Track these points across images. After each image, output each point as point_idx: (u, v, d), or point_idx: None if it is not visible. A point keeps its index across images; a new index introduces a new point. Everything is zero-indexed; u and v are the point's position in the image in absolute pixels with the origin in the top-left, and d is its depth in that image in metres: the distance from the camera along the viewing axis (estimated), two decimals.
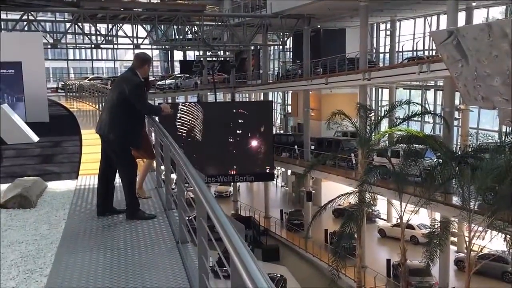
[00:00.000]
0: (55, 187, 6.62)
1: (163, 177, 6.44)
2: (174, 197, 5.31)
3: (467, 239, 15.99)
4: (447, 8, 20.17)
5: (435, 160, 21.67)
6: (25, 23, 29.51)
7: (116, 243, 4.56)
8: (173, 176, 5.26)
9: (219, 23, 34.70)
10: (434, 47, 33.79)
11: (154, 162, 6.45)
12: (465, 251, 25.56)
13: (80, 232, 4.88)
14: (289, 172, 40.14)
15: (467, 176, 15.31)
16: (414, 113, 21.02)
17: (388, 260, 24.96)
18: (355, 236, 18.84)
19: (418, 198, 17.78)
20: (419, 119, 31.11)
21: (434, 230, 16.09)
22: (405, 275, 18.32)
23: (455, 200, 19.19)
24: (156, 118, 6.53)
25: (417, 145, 19.98)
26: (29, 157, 9.24)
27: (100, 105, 16.75)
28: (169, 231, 4.86)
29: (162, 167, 6.14)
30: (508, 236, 13.22)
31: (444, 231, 15.80)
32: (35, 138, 11.12)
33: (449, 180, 16.46)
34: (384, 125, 25.67)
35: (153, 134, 7.06)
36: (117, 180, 5.55)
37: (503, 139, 15.26)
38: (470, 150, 17.45)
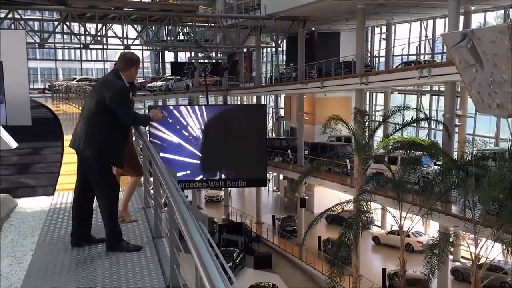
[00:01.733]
0: (27, 206, 5.74)
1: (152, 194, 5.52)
2: (163, 222, 4.44)
3: (470, 249, 15.26)
4: (449, 11, 19.61)
5: (433, 167, 21.14)
6: (11, 21, 28.53)
7: (92, 282, 3.74)
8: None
9: (212, 24, 33.96)
10: (429, 51, 33.54)
11: (142, 178, 5.54)
12: (461, 260, 25.34)
13: (49, 269, 4.01)
14: (281, 176, 39.47)
15: (470, 186, 14.65)
16: (414, 118, 20.36)
17: (384, 270, 24.30)
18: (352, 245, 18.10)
19: (418, 207, 17.11)
20: (414, 124, 30.58)
21: (436, 241, 15.37)
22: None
23: (454, 209, 18.63)
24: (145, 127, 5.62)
25: (415, 152, 19.42)
26: (4, 167, 8.36)
27: None
28: (157, 266, 4.00)
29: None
30: None
31: (446, 243, 15.11)
32: (13, 144, 10.22)
33: (452, 189, 15.79)
34: (380, 130, 25.13)
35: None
36: (96, 203, 4.65)
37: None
38: (472, 157, 16.77)
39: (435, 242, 15.47)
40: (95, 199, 4.61)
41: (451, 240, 15.28)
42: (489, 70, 9.29)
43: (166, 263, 3.94)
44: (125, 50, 33.47)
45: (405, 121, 21.72)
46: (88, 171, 4.55)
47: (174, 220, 3.18)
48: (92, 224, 4.65)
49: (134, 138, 5.44)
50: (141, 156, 5.53)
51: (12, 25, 28.48)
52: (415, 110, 21.68)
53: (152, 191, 4.88)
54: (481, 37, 9.18)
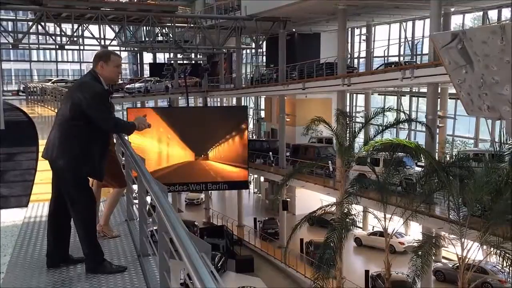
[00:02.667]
0: None
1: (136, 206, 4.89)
2: (150, 238, 4.02)
3: (456, 250, 15.17)
4: (431, 13, 19.60)
5: (415, 169, 21.11)
6: None
7: None
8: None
9: (191, 25, 33.50)
10: (409, 52, 33.71)
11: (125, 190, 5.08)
12: (443, 260, 25.41)
13: None
14: (262, 178, 39.19)
15: (455, 187, 14.57)
16: (396, 120, 20.29)
17: (367, 272, 24.20)
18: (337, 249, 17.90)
19: (402, 209, 17.00)
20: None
21: (421, 244, 15.24)
22: None
23: (438, 211, 18.59)
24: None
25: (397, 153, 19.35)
26: None
27: None
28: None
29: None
30: (504, 252, 12.47)
31: (431, 245, 15.00)
32: None
33: (436, 191, 15.71)
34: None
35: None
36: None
37: (499, 147, 14.52)
38: (457, 159, 16.72)
39: (421, 244, 15.33)
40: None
41: (436, 243, 15.15)
42: (479, 72, 9.16)
43: (154, 285, 3.57)
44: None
45: (387, 122, 21.65)
46: (62, 184, 4.07)
47: (165, 240, 2.84)
48: (70, 241, 4.19)
49: (115, 146, 4.98)
50: (124, 163, 5.10)
51: None
52: (398, 111, 21.59)
53: (136, 203, 4.46)
54: (472, 37, 9.03)
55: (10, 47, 32.71)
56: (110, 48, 32.35)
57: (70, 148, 4.02)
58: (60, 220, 4.11)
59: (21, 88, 37.25)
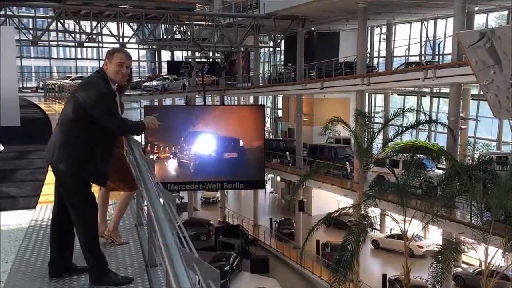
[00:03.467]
0: (3, 222, 4.95)
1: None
2: (160, 248, 3.73)
3: (479, 255, 14.69)
4: (454, 11, 19.07)
5: (436, 171, 20.60)
6: (2, 18, 27.79)
7: None
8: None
9: (209, 23, 33.33)
10: (430, 52, 33.03)
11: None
12: (462, 265, 24.80)
13: None
14: (278, 178, 38.89)
15: (479, 192, 14.09)
16: (417, 121, 19.79)
17: (384, 275, 23.73)
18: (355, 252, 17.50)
19: (422, 213, 16.54)
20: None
21: (443, 249, 14.79)
22: None
23: (459, 215, 18.10)
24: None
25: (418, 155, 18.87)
26: None
27: None
28: None
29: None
30: None
31: (452, 251, 14.55)
32: None
33: (459, 195, 15.24)
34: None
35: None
36: None
37: None
38: (480, 162, 16.18)
39: (441, 250, 14.88)
40: None
41: (457, 248, 14.68)
42: (508, 72, 8.74)
43: None
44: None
45: (407, 123, 21.16)
46: (62, 188, 3.84)
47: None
48: (74, 249, 3.94)
49: (126, 148, 4.71)
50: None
51: (5, 22, 27.74)
52: (419, 112, 21.04)
53: (146, 208, 4.20)
54: (501, 36, 8.60)
55: (30, 44, 32.92)
56: (128, 46, 32.44)
57: (71, 151, 3.79)
58: (63, 226, 3.88)
59: (40, 85, 37.56)
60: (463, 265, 24.75)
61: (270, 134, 44.22)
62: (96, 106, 3.80)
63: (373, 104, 36.92)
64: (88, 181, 3.92)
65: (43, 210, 5.49)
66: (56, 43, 36.69)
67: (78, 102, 3.85)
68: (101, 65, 4.25)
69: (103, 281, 3.70)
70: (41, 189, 6.53)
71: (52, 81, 31.69)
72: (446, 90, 26.31)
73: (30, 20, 34.44)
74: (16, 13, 29.56)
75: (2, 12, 27.10)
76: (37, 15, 33.19)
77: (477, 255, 20.70)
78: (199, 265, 1.90)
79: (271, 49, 42.81)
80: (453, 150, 18.84)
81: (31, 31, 30.93)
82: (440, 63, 26.20)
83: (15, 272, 3.86)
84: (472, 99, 26.57)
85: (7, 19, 27.48)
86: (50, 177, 7.11)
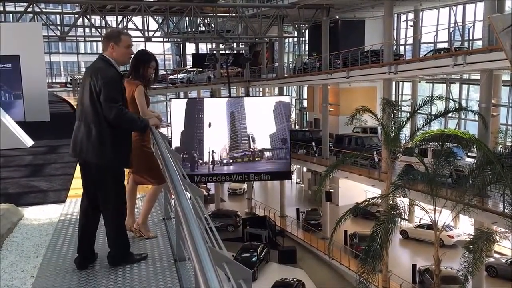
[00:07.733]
0: (34, 216, 5.10)
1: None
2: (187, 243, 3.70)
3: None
4: None
5: (466, 160, 20.13)
6: (30, 15, 28.33)
7: None
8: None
9: (233, 14, 33.24)
10: (459, 38, 32.19)
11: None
12: (495, 255, 24.27)
13: None
14: (304, 169, 38.72)
15: None
16: (447, 109, 19.32)
17: (414, 266, 23.42)
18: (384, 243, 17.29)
19: (453, 203, 16.19)
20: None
21: (475, 240, 14.46)
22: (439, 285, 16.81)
23: (490, 204, 17.68)
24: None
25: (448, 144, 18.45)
26: (16, 168, 7.83)
27: None
28: None
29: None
30: None
31: (485, 241, 14.21)
32: (29, 142, 9.76)
33: (491, 184, 14.85)
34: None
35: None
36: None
37: None
38: None
39: (473, 240, 14.56)
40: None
41: (491, 239, 14.34)
42: None
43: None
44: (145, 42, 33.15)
45: (436, 111, 20.69)
46: (94, 182, 3.84)
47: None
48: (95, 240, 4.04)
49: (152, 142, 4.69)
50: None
51: (33, 19, 28.25)
52: (448, 100, 20.55)
53: (173, 201, 4.20)
54: None
55: (58, 40, 33.46)
56: (153, 39, 32.65)
57: (100, 145, 3.76)
58: (92, 219, 3.92)
59: (69, 80, 38.22)
60: (496, 255, 24.22)
61: (296, 124, 43.97)
62: (103, 91, 3.72)
63: (400, 92, 36.27)
64: (120, 171, 3.92)
65: (73, 204, 5.55)
66: (83, 38, 37.16)
67: (91, 90, 3.78)
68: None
69: (126, 259, 3.84)
70: (71, 183, 6.63)
71: (80, 76, 32.19)
72: (475, 76, 25.63)
73: (58, 16, 35.03)
74: (44, 10, 29.99)
75: (30, 9, 27.57)
76: (64, 11, 33.75)
77: (510, 245, 20.34)
78: (229, 264, 1.85)
79: (296, 39, 42.48)
80: (484, 138, 18.35)
81: (58, 27, 31.46)
82: (470, 49, 25.47)
83: (45, 266, 3.90)
84: (503, 85, 25.81)
85: (35, 16, 27.94)
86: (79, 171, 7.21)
